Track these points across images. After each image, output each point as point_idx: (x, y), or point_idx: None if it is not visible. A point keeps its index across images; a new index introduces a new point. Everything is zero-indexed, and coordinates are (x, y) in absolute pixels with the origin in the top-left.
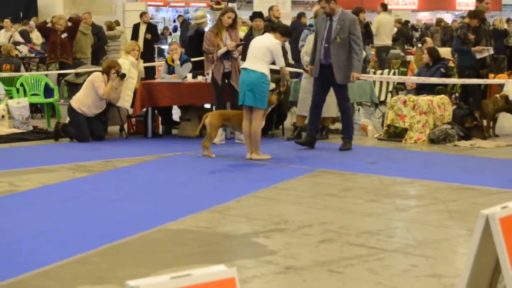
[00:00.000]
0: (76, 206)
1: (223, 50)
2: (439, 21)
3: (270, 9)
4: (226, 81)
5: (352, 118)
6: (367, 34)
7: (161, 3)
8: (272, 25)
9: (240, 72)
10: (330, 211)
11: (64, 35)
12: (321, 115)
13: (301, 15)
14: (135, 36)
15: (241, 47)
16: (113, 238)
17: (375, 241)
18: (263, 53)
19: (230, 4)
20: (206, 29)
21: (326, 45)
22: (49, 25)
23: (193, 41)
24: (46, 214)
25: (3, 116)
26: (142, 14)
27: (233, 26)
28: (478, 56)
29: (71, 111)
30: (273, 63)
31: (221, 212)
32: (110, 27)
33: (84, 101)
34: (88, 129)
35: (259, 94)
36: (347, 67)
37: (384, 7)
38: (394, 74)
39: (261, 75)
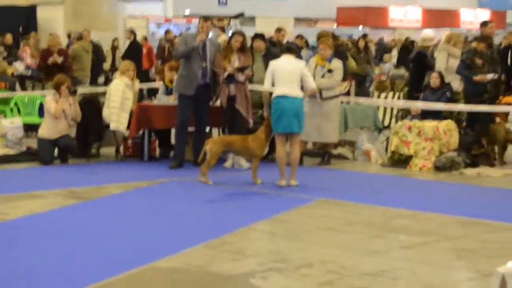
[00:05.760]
0: (62, 239)
1: (225, 73)
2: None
3: (278, 31)
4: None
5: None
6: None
7: (163, 20)
8: (289, 46)
9: (246, 96)
10: (330, 248)
11: (60, 59)
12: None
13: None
14: (130, 56)
15: (249, 71)
16: (100, 276)
17: (378, 284)
18: (299, 77)
19: (232, 21)
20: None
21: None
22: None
23: (415, 63)
24: (31, 249)
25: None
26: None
27: (243, 49)
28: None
29: (38, 139)
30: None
31: (216, 247)
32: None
33: (45, 127)
34: (54, 150)
35: (302, 120)
36: None
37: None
38: (398, 97)
39: (301, 100)
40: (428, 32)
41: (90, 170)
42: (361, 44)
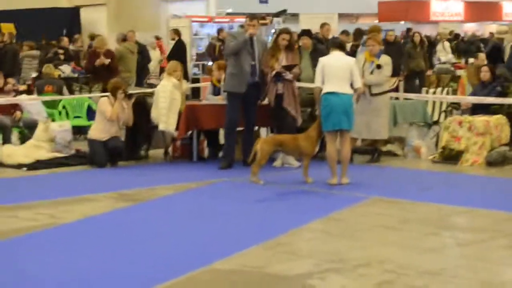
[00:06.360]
0: (117, 242)
1: (273, 72)
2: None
3: (322, 27)
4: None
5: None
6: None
7: (206, 19)
8: (339, 42)
9: (294, 94)
10: (387, 247)
11: (107, 61)
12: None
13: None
14: (175, 56)
15: (297, 69)
16: (158, 280)
17: (437, 284)
18: (349, 74)
19: (275, 19)
20: None
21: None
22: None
23: (491, 55)
24: (87, 252)
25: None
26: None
27: (291, 47)
28: None
29: (88, 140)
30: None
31: (271, 248)
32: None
33: (96, 128)
34: (105, 150)
35: (352, 116)
36: None
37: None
38: (447, 92)
39: (350, 97)
40: (503, 27)
41: (139, 172)
42: (417, 38)
